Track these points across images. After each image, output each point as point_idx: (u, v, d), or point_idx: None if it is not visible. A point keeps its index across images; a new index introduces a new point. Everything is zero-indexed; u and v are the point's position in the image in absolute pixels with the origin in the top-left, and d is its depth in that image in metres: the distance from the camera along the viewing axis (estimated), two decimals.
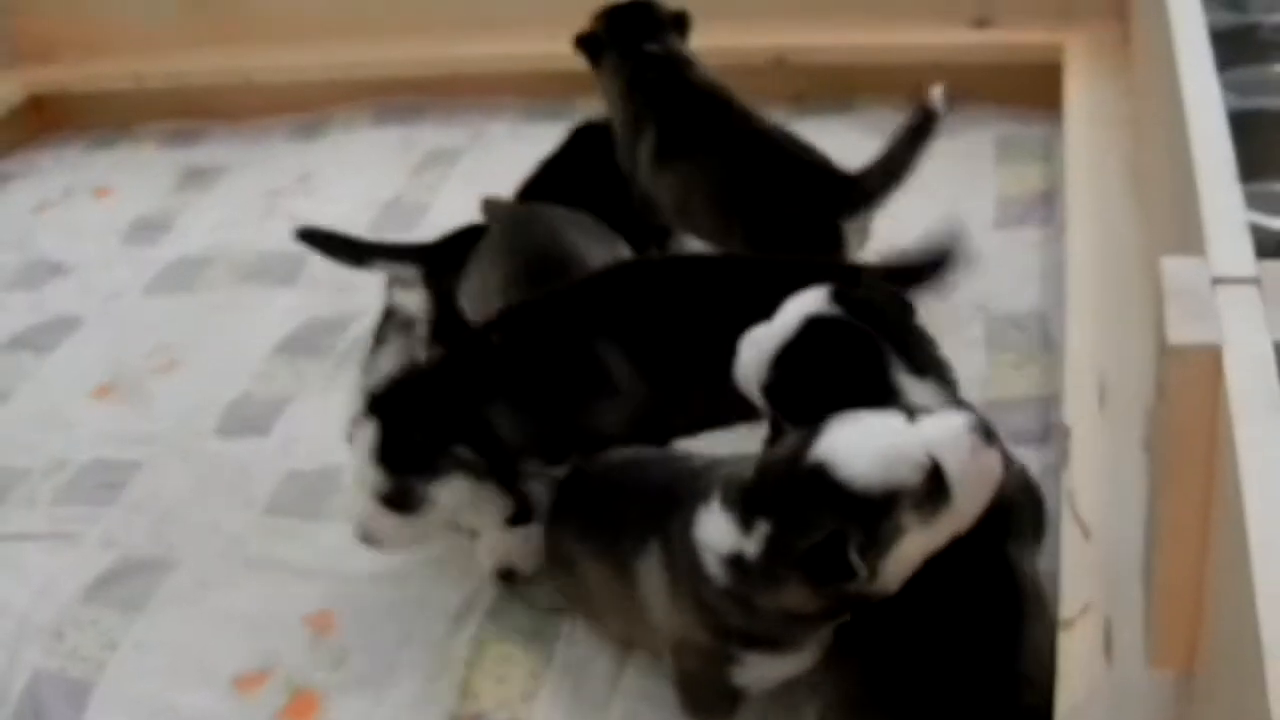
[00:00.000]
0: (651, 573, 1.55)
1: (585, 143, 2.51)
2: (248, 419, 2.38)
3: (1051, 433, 1.97)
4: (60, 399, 2.54)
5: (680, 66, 2.35)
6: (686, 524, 1.47)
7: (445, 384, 1.82)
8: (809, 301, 1.57)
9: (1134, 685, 1.37)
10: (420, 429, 1.76)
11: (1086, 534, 1.56)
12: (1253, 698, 0.86)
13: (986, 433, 1.39)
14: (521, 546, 1.88)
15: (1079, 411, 1.76)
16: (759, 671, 1.52)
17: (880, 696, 1.46)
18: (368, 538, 1.80)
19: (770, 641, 1.48)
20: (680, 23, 2.40)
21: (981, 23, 2.92)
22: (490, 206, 2.33)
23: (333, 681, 1.84)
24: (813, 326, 1.55)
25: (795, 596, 1.39)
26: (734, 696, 1.57)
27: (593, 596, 1.74)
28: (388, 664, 1.85)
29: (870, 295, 1.59)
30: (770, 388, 1.56)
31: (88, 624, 1.99)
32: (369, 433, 1.76)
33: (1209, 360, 1.10)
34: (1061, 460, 1.70)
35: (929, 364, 1.56)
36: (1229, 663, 1.02)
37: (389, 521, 1.78)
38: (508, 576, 1.90)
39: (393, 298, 2.36)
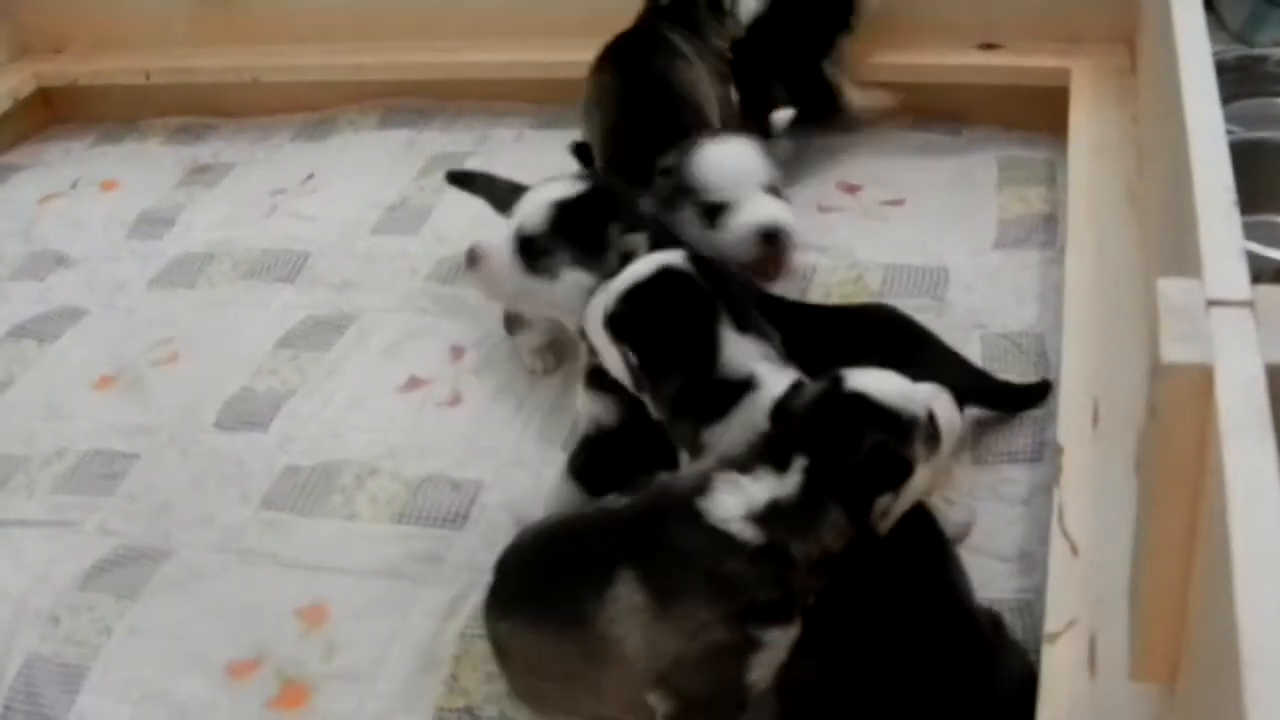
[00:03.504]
0: (623, 602, 1.54)
1: None
2: (246, 414, 2.39)
3: (1045, 451, 1.99)
4: (61, 389, 2.56)
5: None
6: (684, 522, 1.51)
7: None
8: (668, 256, 1.79)
9: (1116, 698, 1.39)
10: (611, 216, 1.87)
11: (1074, 550, 1.58)
12: (1230, 708, 0.87)
13: None
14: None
15: (1072, 431, 1.78)
16: (773, 653, 1.54)
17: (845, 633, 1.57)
18: (472, 257, 1.89)
19: (787, 610, 1.52)
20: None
21: (989, 45, 2.93)
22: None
23: (323, 673, 1.86)
24: (664, 273, 1.76)
25: (831, 530, 1.49)
26: (741, 705, 1.57)
27: (534, 676, 1.71)
28: (377, 657, 1.86)
29: (719, 264, 1.81)
30: (614, 318, 1.75)
31: (83, 610, 2.01)
32: (566, 187, 1.86)
33: (1200, 380, 1.12)
34: (1053, 478, 1.72)
35: (751, 326, 1.75)
36: (1209, 675, 1.03)
37: (504, 264, 1.87)
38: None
39: None
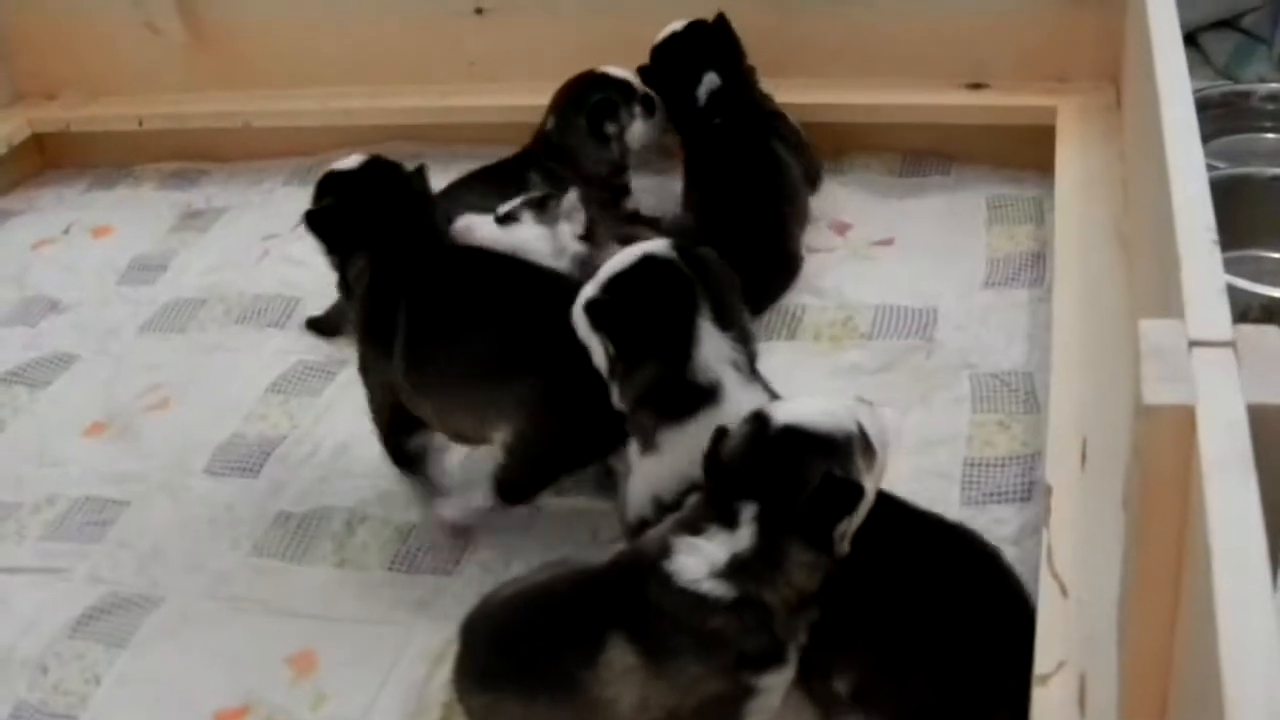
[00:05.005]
0: (616, 665, 1.55)
1: None
2: (237, 460, 2.39)
3: (1034, 491, 1.99)
4: (53, 435, 2.56)
5: None
6: (660, 585, 1.52)
7: None
8: (653, 245, 1.81)
9: None
10: None
11: (1064, 591, 1.58)
12: None
13: None
14: None
15: (1060, 470, 1.78)
16: (770, 697, 1.55)
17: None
18: None
19: (778, 653, 1.53)
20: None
21: (976, 84, 2.95)
22: None
23: None
24: (646, 261, 1.78)
25: (799, 569, 1.49)
26: None
27: None
28: (367, 705, 1.85)
29: (706, 256, 1.80)
30: (593, 305, 1.76)
31: (72, 658, 2.00)
32: None
33: (1183, 420, 1.12)
34: (1043, 518, 1.72)
35: (733, 323, 1.76)
36: (1196, 717, 1.03)
37: None
38: None
39: None
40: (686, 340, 1.72)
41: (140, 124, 3.52)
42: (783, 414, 1.52)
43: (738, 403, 1.70)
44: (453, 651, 1.88)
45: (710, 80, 2.76)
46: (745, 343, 1.77)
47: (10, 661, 2.01)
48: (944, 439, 2.14)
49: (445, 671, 1.87)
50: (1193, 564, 1.09)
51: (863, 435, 1.52)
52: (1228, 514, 1.02)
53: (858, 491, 1.49)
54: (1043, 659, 1.49)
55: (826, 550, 1.48)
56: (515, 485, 2.00)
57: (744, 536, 1.48)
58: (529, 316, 1.95)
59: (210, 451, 2.42)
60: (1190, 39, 3.12)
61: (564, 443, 1.96)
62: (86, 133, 3.61)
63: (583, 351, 1.82)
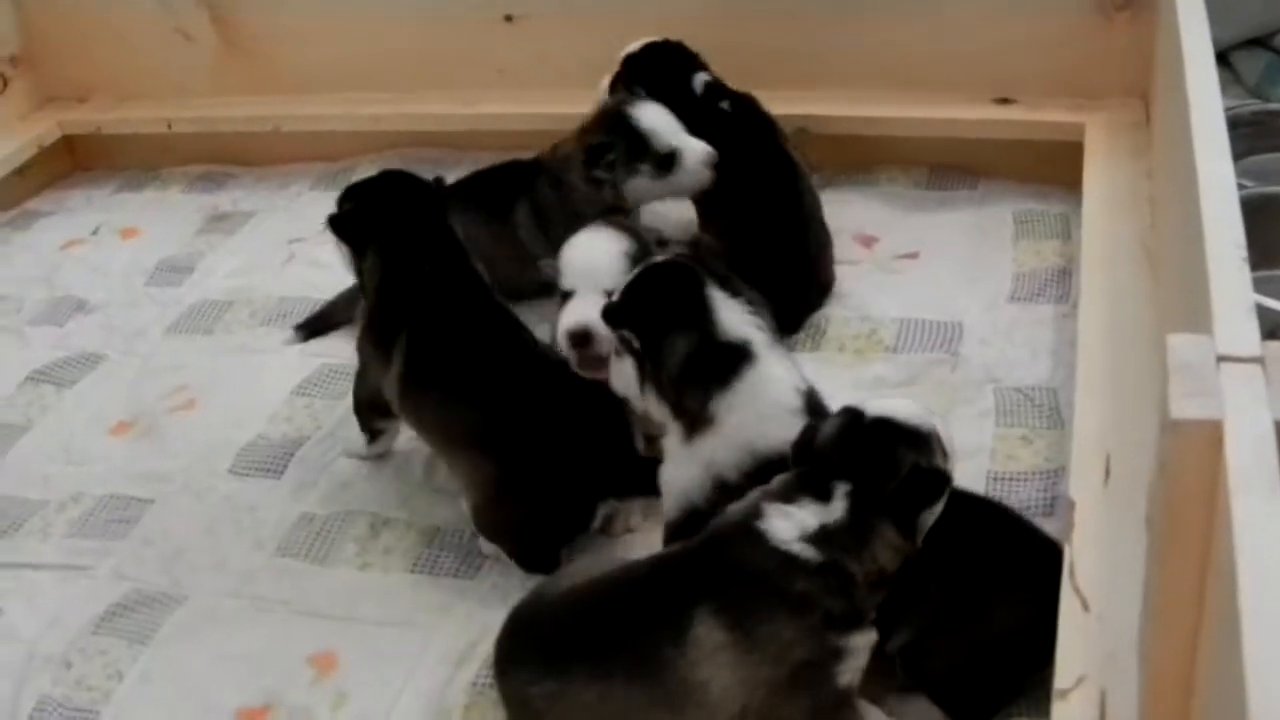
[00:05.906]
0: (703, 644, 1.56)
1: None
2: (261, 461, 2.40)
3: (1057, 506, 1.98)
4: (79, 434, 2.57)
5: None
6: (750, 544, 1.58)
7: None
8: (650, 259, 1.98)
9: None
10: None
11: (1085, 606, 1.58)
12: None
13: None
14: None
15: (1084, 485, 1.78)
16: (858, 656, 1.60)
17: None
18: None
19: (859, 619, 1.59)
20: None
21: (1004, 100, 2.95)
22: None
23: None
24: (646, 267, 1.92)
25: (883, 548, 1.58)
26: (844, 701, 1.63)
27: None
28: (387, 706, 1.86)
29: (694, 255, 2.03)
30: (608, 309, 1.86)
31: (95, 654, 2.01)
32: None
33: (1209, 435, 1.12)
34: (1065, 533, 1.71)
35: (740, 292, 1.86)
36: None
37: None
38: None
39: None
40: (703, 304, 1.81)
41: (169, 127, 3.55)
42: (876, 408, 1.63)
43: (770, 362, 1.80)
44: (476, 653, 1.90)
45: (702, 76, 2.71)
46: (755, 308, 1.86)
47: (35, 656, 2.03)
48: (967, 453, 2.12)
49: (467, 674, 1.88)
50: (1217, 580, 1.09)
51: (940, 437, 1.63)
52: (1254, 530, 1.02)
53: (943, 482, 1.60)
54: (1063, 674, 1.49)
55: (910, 535, 1.58)
56: (519, 559, 2.06)
57: (836, 510, 1.57)
58: (500, 393, 2.04)
59: (234, 452, 2.43)
60: (1221, 58, 3.11)
61: (515, 523, 2.05)
62: (116, 135, 3.63)
63: (544, 433, 1.99)
